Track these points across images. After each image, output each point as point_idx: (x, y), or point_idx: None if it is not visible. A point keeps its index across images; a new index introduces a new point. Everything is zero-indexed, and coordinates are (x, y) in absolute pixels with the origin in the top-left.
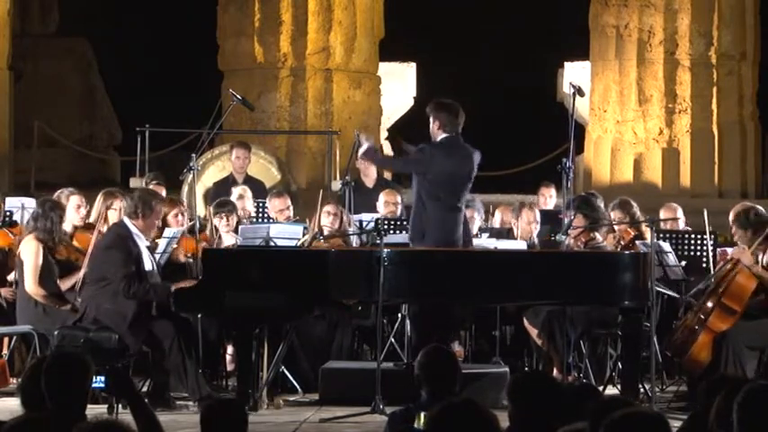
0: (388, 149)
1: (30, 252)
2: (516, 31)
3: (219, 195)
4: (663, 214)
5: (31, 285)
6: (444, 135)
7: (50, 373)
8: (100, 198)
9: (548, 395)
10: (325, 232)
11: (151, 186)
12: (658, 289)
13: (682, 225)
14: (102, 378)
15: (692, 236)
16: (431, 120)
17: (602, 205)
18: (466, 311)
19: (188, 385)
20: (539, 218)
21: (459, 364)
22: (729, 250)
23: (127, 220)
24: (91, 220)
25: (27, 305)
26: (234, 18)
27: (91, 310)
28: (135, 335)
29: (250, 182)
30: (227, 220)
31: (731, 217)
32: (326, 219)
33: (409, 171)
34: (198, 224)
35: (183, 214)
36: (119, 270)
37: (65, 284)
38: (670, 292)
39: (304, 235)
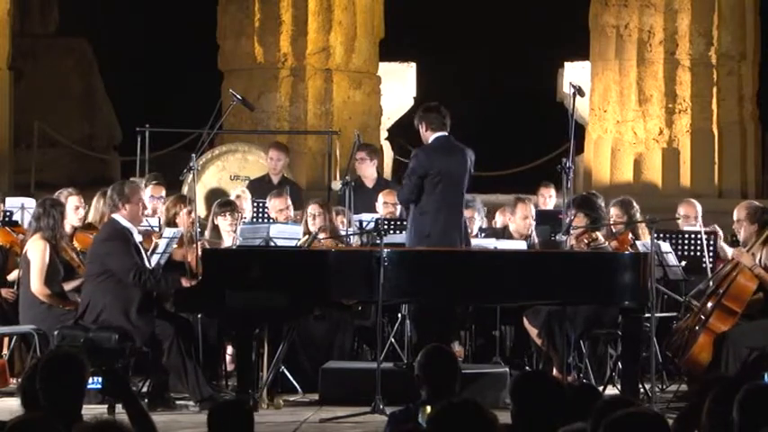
0: (388, 149)
1: (37, 252)
2: (516, 31)
3: (254, 193)
4: (683, 210)
5: (36, 285)
6: (435, 135)
7: (45, 373)
8: (99, 199)
9: (550, 395)
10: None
11: (151, 186)
12: (661, 287)
13: (699, 223)
14: (99, 379)
15: (692, 236)
16: (420, 125)
17: (602, 205)
18: (466, 311)
19: (188, 385)
20: (534, 212)
21: (459, 364)
22: (729, 251)
23: (115, 216)
24: (89, 219)
25: (31, 304)
26: (234, 18)
27: (93, 307)
28: (144, 322)
29: (287, 183)
30: (231, 219)
31: (743, 212)
32: (310, 220)
33: (414, 185)
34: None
35: (195, 211)
36: (124, 260)
37: (68, 286)
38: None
39: (304, 235)
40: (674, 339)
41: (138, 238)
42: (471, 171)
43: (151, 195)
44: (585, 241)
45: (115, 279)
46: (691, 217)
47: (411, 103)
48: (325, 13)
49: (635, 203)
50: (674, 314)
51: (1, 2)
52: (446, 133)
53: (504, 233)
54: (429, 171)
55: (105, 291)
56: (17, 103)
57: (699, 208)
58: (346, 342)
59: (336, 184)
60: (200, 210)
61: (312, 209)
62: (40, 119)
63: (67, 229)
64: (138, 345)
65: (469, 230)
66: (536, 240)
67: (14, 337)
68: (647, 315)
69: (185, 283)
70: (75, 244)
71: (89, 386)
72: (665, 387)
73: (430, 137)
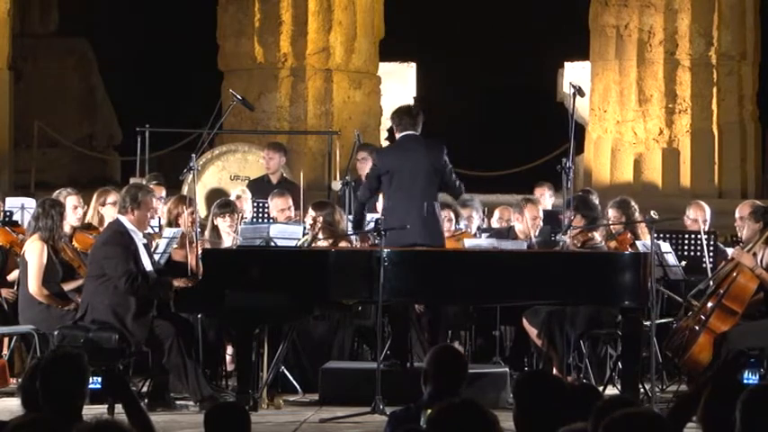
0: None
1: (34, 253)
2: (516, 31)
3: (254, 193)
4: (692, 212)
5: (34, 286)
6: (400, 135)
7: (45, 373)
8: (98, 198)
9: (555, 395)
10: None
11: (151, 186)
12: (661, 288)
13: (706, 225)
14: (99, 379)
15: (692, 236)
16: (393, 126)
17: (597, 202)
18: (466, 311)
19: (188, 385)
20: (542, 214)
21: (467, 364)
22: (729, 250)
23: (121, 217)
24: (88, 219)
25: (30, 304)
26: (234, 18)
27: (92, 308)
28: (139, 328)
29: (285, 182)
30: (231, 220)
31: (747, 210)
32: (308, 225)
33: (365, 187)
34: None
35: (196, 211)
36: (119, 266)
37: (68, 287)
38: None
39: (304, 235)
40: (673, 339)
41: (141, 239)
42: (437, 165)
43: None
44: (581, 239)
45: (113, 283)
46: (699, 221)
47: (411, 103)
48: (325, 13)
49: (633, 203)
50: (671, 319)
51: (1, 2)
52: (414, 132)
53: (509, 233)
54: (381, 170)
55: (103, 293)
56: (17, 103)
57: (708, 212)
58: (346, 342)
59: (336, 184)
60: (201, 210)
61: (309, 214)
62: (40, 119)
63: (67, 229)
64: (133, 349)
65: (469, 229)
66: (534, 239)
67: (14, 337)
68: (647, 323)
69: (178, 283)
70: (75, 244)
71: (89, 386)
72: (665, 387)
73: (398, 136)
